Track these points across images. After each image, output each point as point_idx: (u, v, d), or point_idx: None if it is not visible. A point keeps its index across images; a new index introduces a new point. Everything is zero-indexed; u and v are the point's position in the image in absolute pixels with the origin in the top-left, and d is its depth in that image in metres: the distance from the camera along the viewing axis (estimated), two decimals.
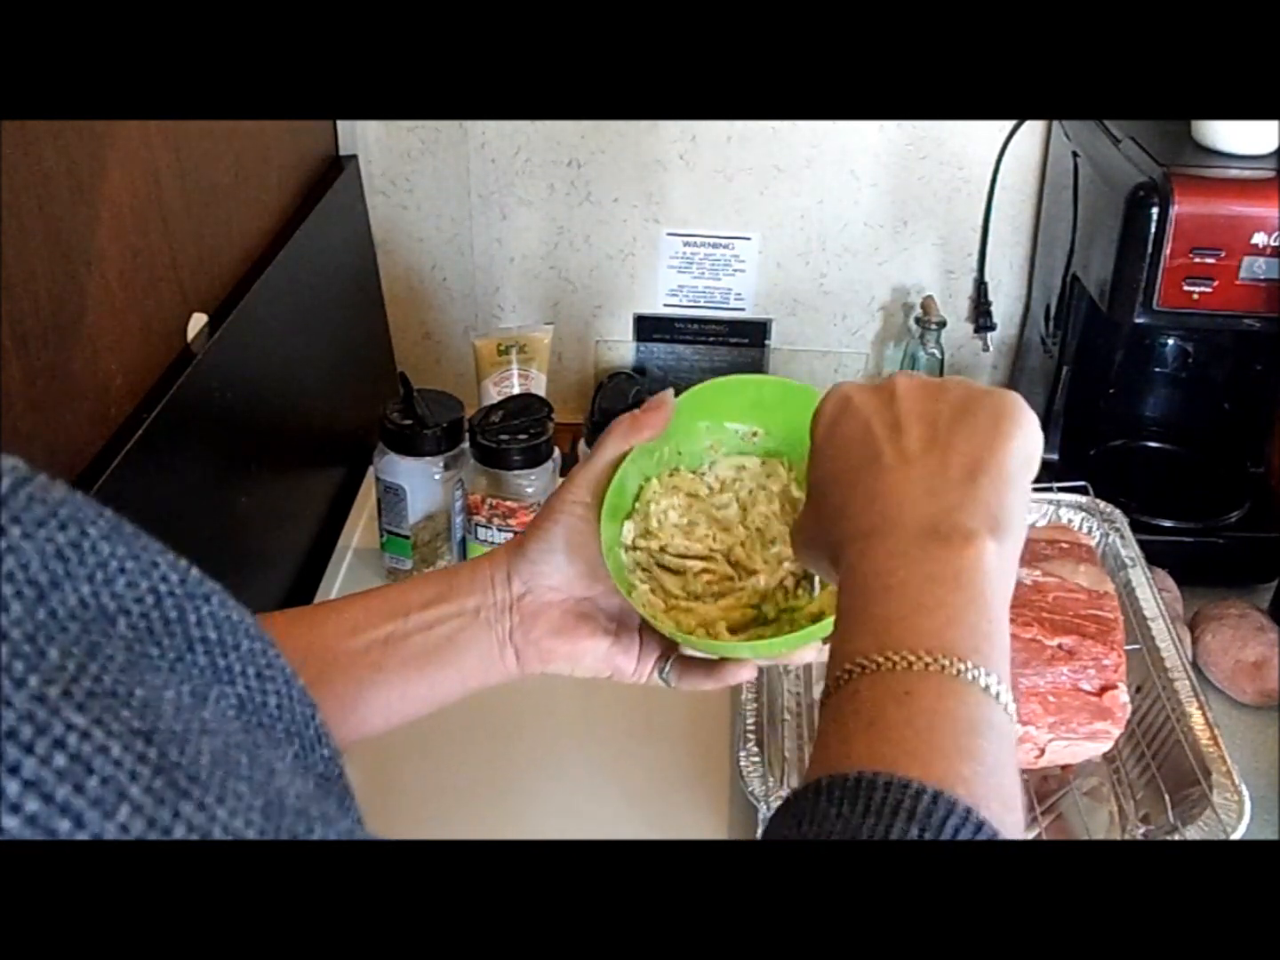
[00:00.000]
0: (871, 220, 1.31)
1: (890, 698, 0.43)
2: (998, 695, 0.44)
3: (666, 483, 0.64)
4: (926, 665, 0.43)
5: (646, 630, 0.63)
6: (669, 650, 0.63)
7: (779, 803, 0.46)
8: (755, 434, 0.66)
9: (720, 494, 0.65)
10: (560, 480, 1.07)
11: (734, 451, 0.66)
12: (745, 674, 0.64)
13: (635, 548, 0.63)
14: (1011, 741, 0.44)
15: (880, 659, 0.44)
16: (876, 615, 0.46)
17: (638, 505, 0.63)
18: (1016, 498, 0.49)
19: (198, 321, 0.91)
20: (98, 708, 0.25)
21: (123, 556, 0.28)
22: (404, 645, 0.60)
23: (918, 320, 1.30)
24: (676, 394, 0.63)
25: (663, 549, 0.63)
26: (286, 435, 1.08)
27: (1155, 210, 0.95)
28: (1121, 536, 1.02)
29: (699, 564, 0.63)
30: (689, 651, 0.63)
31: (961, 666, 0.43)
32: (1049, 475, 1.16)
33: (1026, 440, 0.51)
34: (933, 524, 0.47)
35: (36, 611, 0.25)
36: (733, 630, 0.62)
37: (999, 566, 0.47)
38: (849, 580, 0.48)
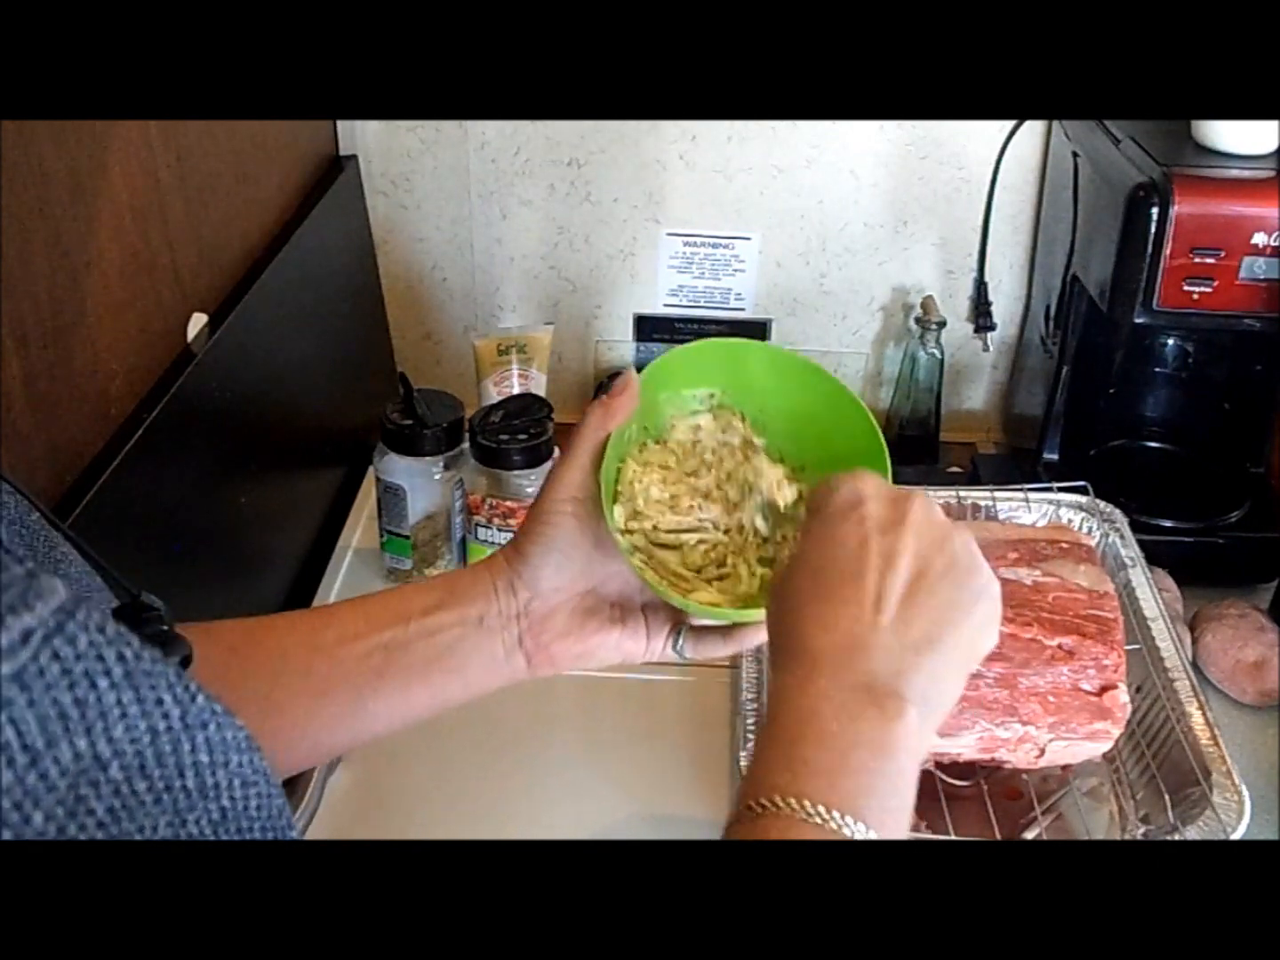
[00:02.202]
0: (871, 220, 1.31)
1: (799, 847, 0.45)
2: None
3: (639, 459, 0.64)
4: (838, 827, 0.45)
5: (651, 608, 0.62)
6: (677, 624, 0.63)
7: (728, 817, 0.47)
8: (711, 395, 0.66)
9: (687, 460, 0.65)
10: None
11: (693, 412, 0.66)
12: (761, 636, 0.63)
13: (629, 531, 0.62)
14: None
15: (796, 806, 0.46)
16: (799, 757, 0.48)
17: (620, 488, 0.63)
18: (954, 683, 0.53)
19: (198, 321, 0.91)
20: None
21: (128, 702, 0.28)
22: (406, 653, 0.59)
23: (918, 320, 1.30)
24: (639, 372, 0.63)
25: (655, 528, 0.63)
26: (286, 435, 1.08)
27: (1155, 210, 0.95)
28: (1121, 536, 1.02)
29: (693, 536, 0.63)
30: (698, 621, 0.63)
31: (867, 837, 0.46)
32: (1049, 475, 1.17)
33: (986, 631, 0.53)
34: (873, 682, 0.49)
35: (27, 777, 0.25)
36: (740, 596, 0.62)
37: (917, 743, 0.50)
38: (783, 705, 0.50)
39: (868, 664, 0.49)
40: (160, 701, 0.28)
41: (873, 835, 0.46)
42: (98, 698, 0.27)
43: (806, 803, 0.46)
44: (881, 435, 0.64)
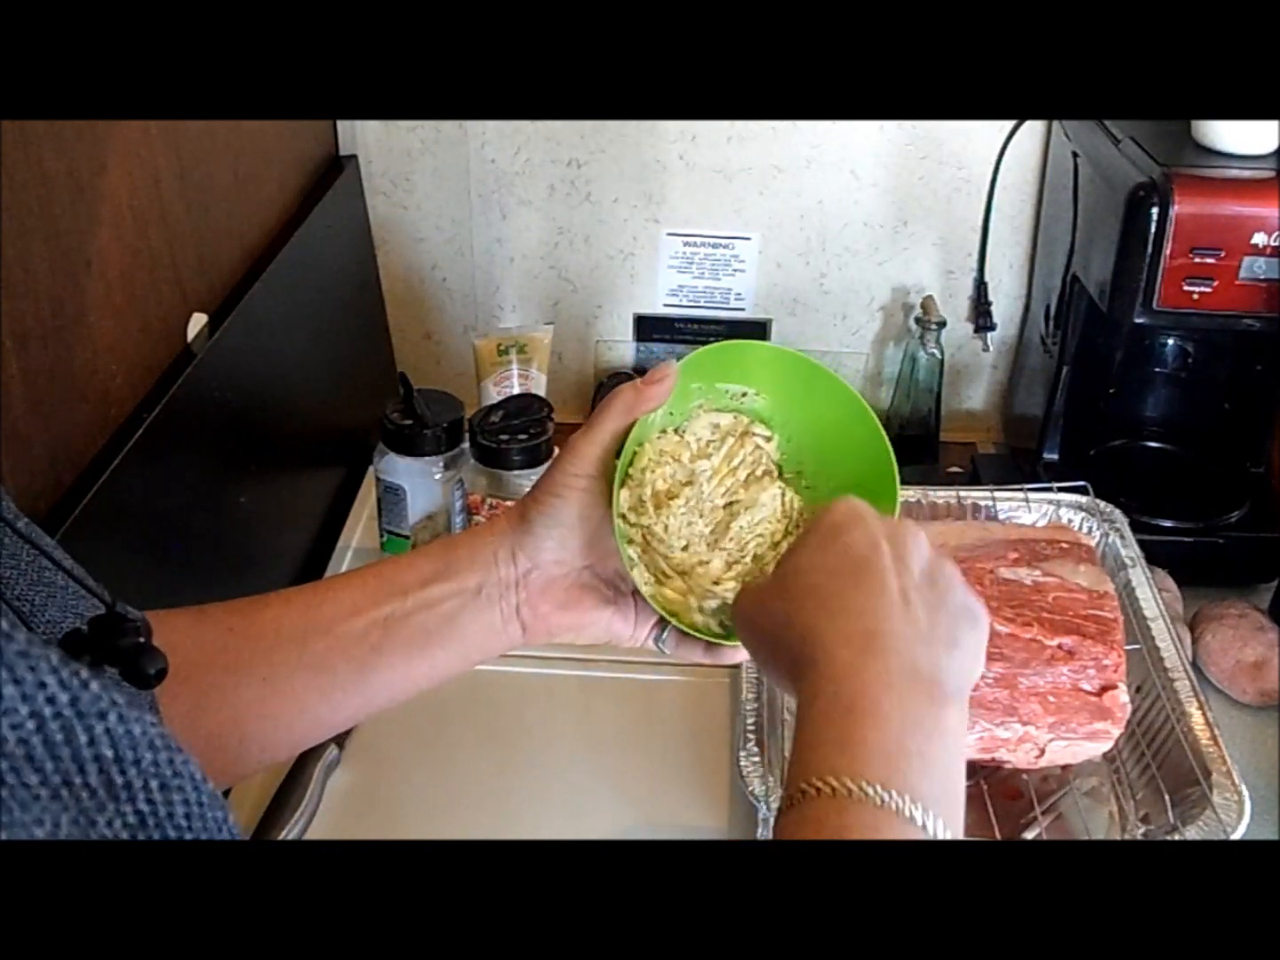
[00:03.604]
0: (871, 220, 1.31)
1: (859, 832, 0.44)
2: None
3: (656, 446, 0.64)
4: (897, 809, 0.44)
5: (640, 596, 0.62)
6: (663, 618, 0.63)
7: (779, 803, 0.46)
8: (745, 394, 0.65)
9: (698, 460, 0.64)
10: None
11: (719, 409, 0.66)
12: (740, 655, 0.64)
13: (629, 521, 0.62)
14: None
15: (854, 787, 0.45)
16: (856, 739, 0.46)
17: (632, 472, 0.63)
18: (969, 686, 0.52)
19: (198, 321, 0.91)
20: None
21: (2, 681, 0.26)
22: (404, 625, 0.59)
23: (918, 320, 1.30)
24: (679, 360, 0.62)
25: (649, 528, 0.63)
26: (286, 435, 1.08)
27: (1155, 210, 0.95)
28: (1121, 536, 1.02)
29: (680, 542, 0.63)
30: None
31: (927, 820, 0.44)
32: (1049, 475, 1.17)
33: (978, 659, 0.53)
34: (917, 670, 0.49)
35: None
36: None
37: (960, 734, 0.49)
38: (830, 687, 0.48)
39: (909, 654, 0.49)
40: (43, 685, 0.26)
41: (932, 819, 0.44)
42: None
43: (864, 783, 0.44)
44: (898, 482, 0.63)
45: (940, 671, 0.49)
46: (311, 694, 0.59)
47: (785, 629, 0.52)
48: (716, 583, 0.62)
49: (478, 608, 0.60)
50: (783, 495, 0.65)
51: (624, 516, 0.62)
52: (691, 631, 0.61)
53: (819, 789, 0.45)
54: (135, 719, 0.29)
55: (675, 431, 0.65)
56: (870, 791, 0.44)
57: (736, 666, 0.94)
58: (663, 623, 0.63)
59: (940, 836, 0.44)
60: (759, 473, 0.65)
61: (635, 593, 0.63)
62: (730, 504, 0.65)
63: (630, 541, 0.62)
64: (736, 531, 0.64)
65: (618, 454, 0.61)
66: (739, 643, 0.60)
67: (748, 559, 0.64)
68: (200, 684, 0.57)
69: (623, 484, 0.62)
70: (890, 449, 0.63)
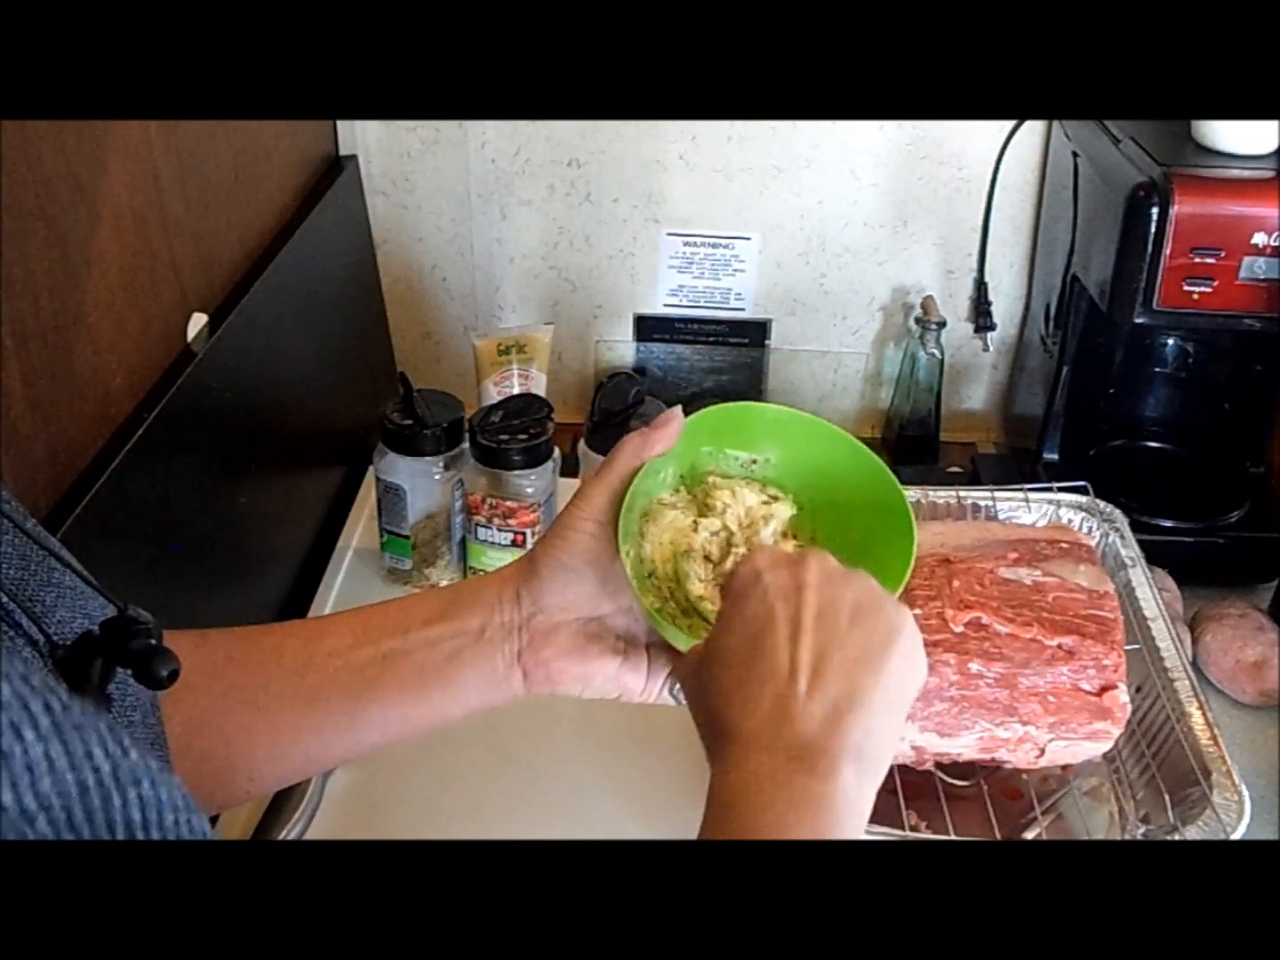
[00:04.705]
0: (871, 220, 1.31)
1: None
2: None
3: (668, 501, 0.64)
4: None
5: (655, 648, 0.62)
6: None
7: None
8: (754, 461, 0.66)
9: (710, 518, 0.64)
10: (559, 481, 1.07)
11: (731, 475, 0.66)
12: None
13: (638, 571, 0.62)
14: None
15: None
16: (741, 829, 0.48)
17: (641, 525, 0.63)
18: (887, 729, 0.53)
19: (198, 321, 0.91)
20: None
21: (56, 755, 0.27)
22: (403, 663, 0.59)
23: (918, 320, 1.30)
24: (685, 412, 0.62)
25: (651, 574, 0.62)
26: (286, 435, 1.08)
27: (1155, 210, 0.95)
28: (1121, 536, 1.02)
29: (697, 589, 0.63)
30: None
31: None
32: (1049, 475, 1.17)
33: (907, 668, 0.54)
34: (803, 747, 0.50)
35: None
36: None
37: (856, 797, 0.50)
38: (723, 780, 0.50)
39: (794, 732, 0.50)
40: (90, 755, 0.28)
41: None
42: (24, 750, 0.26)
43: None
44: (915, 536, 0.62)
45: (829, 739, 0.50)
46: (304, 726, 0.59)
47: (700, 711, 0.55)
48: None
49: (478, 650, 0.59)
50: None
51: (638, 558, 0.61)
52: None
53: None
54: (163, 784, 0.30)
55: (686, 490, 0.65)
56: None
57: None
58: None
59: None
60: (774, 529, 0.65)
61: (649, 646, 0.62)
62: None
63: (644, 586, 0.61)
64: None
65: None
66: None
67: None
68: (195, 707, 0.56)
69: (634, 530, 0.62)
70: (906, 503, 0.63)
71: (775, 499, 0.65)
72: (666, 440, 0.61)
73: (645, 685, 0.62)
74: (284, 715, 0.58)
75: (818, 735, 0.50)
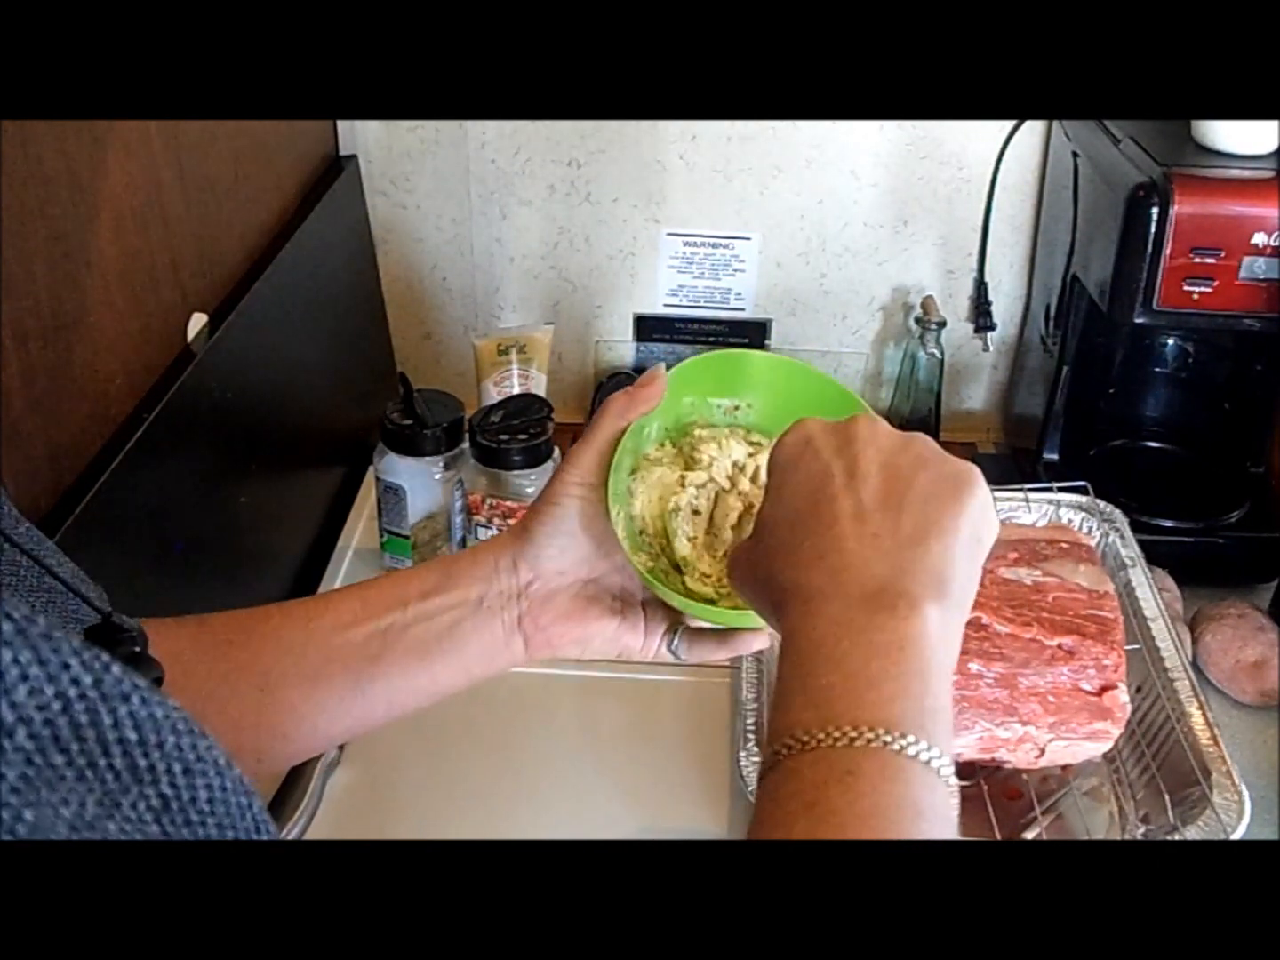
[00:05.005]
0: (871, 220, 1.31)
1: (832, 778, 0.42)
2: (939, 771, 0.43)
3: (654, 456, 0.64)
4: (869, 741, 0.42)
5: (651, 605, 0.62)
6: (675, 623, 0.62)
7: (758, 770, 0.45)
8: (737, 407, 0.65)
9: (696, 471, 0.64)
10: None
11: (715, 424, 0.65)
12: (758, 643, 0.63)
13: (630, 530, 0.62)
14: (953, 822, 0.44)
15: (821, 735, 0.43)
16: (818, 686, 0.44)
17: (631, 483, 0.63)
18: (965, 567, 0.48)
19: (198, 321, 0.91)
20: None
21: (26, 662, 0.26)
22: (404, 636, 0.59)
23: (918, 320, 1.30)
24: (668, 369, 0.62)
25: (642, 531, 0.63)
26: (286, 435, 1.08)
27: (1155, 210, 0.95)
28: (1121, 536, 1.02)
29: (684, 543, 0.63)
30: (696, 622, 0.63)
31: (904, 742, 0.42)
32: (1049, 475, 1.17)
33: (983, 514, 0.49)
34: (879, 588, 0.46)
35: None
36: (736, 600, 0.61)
37: (943, 636, 0.46)
38: (790, 644, 0.47)
39: (867, 574, 0.46)
40: (67, 666, 0.26)
41: (913, 739, 0.42)
42: None
43: (831, 727, 0.42)
44: None
45: (906, 578, 0.46)
46: (309, 705, 0.59)
47: (765, 585, 0.51)
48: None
49: (478, 620, 0.60)
50: None
51: (628, 517, 0.62)
52: (705, 611, 0.60)
53: (789, 746, 0.43)
54: (158, 702, 0.29)
55: (674, 445, 0.65)
56: (839, 735, 0.42)
57: (737, 667, 0.94)
58: (675, 628, 0.62)
59: (926, 756, 0.43)
60: (762, 480, 0.65)
61: (645, 603, 0.62)
62: (747, 509, 0.64)
63: (635, 549, 0.61)
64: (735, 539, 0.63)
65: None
66: (753, 620, 0.58)
67: None
68: (198, 693, 0.57)
69: (624, 491, 0.62)
70: None
71: (759, 445, 0.65)
72: (651, 399, 0.61)
73: (644, 643, 0.62)
74: (288, 694, 0.58)
75: (894, 575, 0.46)
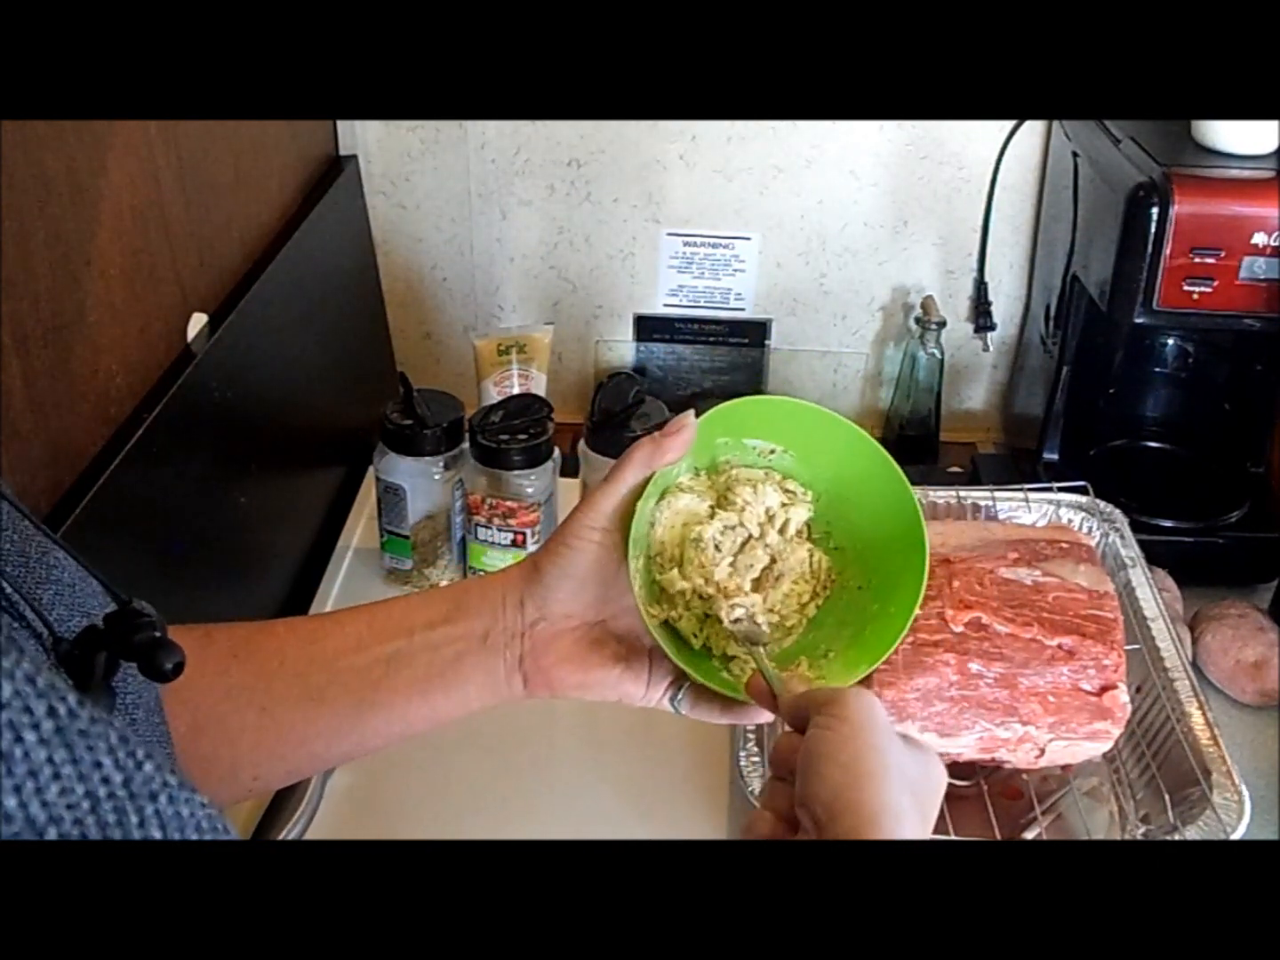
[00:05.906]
0: (871, 220, 1.31)
1: None
2: None
3: (685, 485, 0.62)
4: None
5: (657, 655, 0.60)
6: (680, 678, 0.61)
7: None
8: (773, 451, 0.64)
9: (728, 511, 0.62)
10: (559, 481, 1.07)
11: (749, 466, 0.64)
12: (762, 716, 0.61)
13: (646, 580, 0.61)
14: None
15: None
16: None
17: (651, 534, 0.61)
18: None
19: (198, 321, 0.91)
20: None
21: (60, 761, 0.26)
22: (407, 666, 0.59)
23: (918, 320, 1.30)
24: (697, 413, 0.60)
25: (655, 580, 0.61)
26: (286, 435, 1.08)
27: (1155, 210, 0.95)
28: (1121, 536, 1.02)
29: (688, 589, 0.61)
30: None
31: None
32: (1049, 475, 1.17)
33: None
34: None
35: None
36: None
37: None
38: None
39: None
40: (99, 765, 0.27)
41: None
42: (24, 753, 0.25)
43: None
44: (925, 535, 0.61)
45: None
46: (308, 727, 0.58)
47: (834, 802, 0.49)
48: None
49: (481, 655, 0.59)
50: (810, 557, 0.63)
51: (645, 570, 0.60)
52: (709, 681, 0.59)
53: None
54: (185, 800, 0.29)
55: (706, 475, 0.64)
56: None
57: None
58: (678, 682, 0.61)
59: None
60: (791, 534, 0.63)
61: (651, 652, 0.60)
62: (771, 563, 0.63)
63: (651, 600, 0.60)
64: (778, 601, 0.62)
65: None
66: (753, 699, 0.57)
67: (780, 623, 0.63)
68: (199, 706, 0.56)
69: (643, 543, 0.60)
70: (916, 503, 0.61)
71: (793, 495, 0.64)
72: (678, 449, 0.59)
73: (646, 693, 0.61)
74: (288, 715, 0.58)
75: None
